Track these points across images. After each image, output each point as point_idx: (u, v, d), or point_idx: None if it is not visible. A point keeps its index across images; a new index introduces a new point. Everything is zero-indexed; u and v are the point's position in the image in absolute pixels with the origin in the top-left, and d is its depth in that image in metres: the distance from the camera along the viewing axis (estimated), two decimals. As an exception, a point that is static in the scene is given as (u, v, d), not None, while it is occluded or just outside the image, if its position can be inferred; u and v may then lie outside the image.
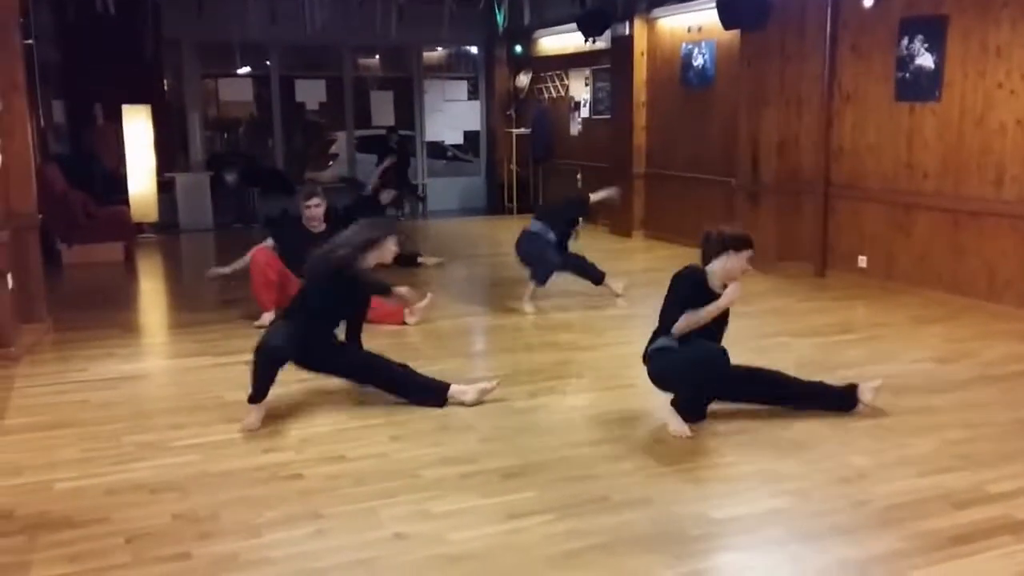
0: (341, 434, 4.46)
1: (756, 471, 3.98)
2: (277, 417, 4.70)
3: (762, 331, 6.33)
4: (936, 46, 7.12)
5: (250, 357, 4.68)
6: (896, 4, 7.45)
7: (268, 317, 6.53)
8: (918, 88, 7.31)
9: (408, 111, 14.54)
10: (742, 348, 5.83)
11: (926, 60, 7.22)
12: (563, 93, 13.04)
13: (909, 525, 3.45)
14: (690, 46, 10.12)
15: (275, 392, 5.07)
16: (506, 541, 3.35)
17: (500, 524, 3.47)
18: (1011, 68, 6.59)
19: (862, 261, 8.02)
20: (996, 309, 6.77)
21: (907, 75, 7.40)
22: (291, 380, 5.31)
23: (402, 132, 14.02)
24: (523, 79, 13.89)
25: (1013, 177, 6.68)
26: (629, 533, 3.39)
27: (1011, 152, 6.67)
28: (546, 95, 13.48)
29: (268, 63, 13.71)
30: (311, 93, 13.89)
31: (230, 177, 13.12)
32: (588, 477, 3.90)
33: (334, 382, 5.24)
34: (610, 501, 3.66)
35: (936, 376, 5.35)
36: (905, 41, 7.38)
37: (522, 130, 13.71)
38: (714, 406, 4.69)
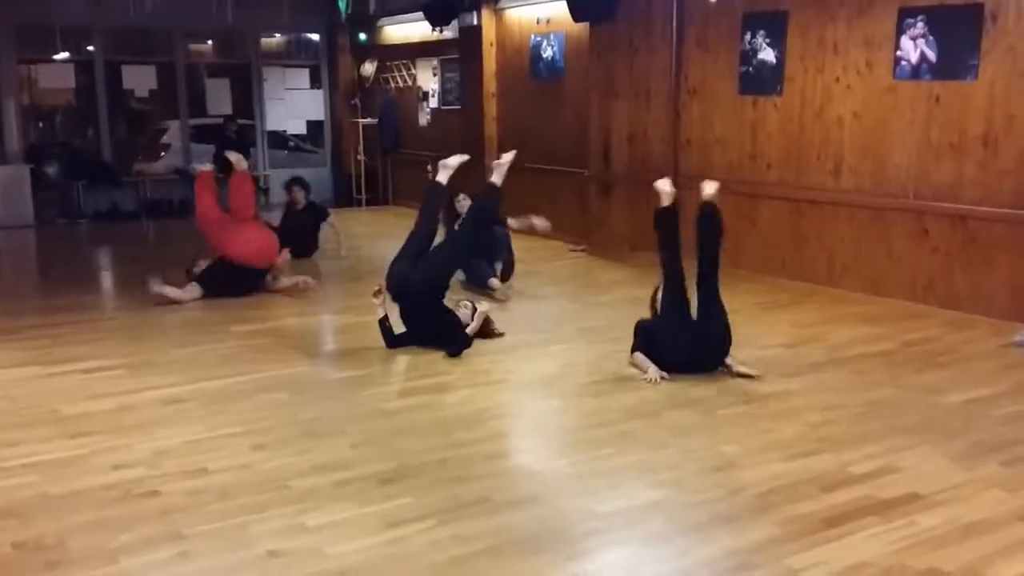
0: (198, 445, 4.15)
1: (633, 462, 3.98)
2: (125, 429, 4.34)
3: (621, 321, 6.36)
4: (777, 41, 7.40)
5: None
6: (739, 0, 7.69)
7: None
8: (761, 82, 7.58)
9: (247, 99, 13.96)
10: (603, 338, 5.91)
11: (768, 55, 7.49)
12: (411, 83, 12.83)
13: (783, 510, 3.52)
14: (539, 38, 10.15)
15: (120, 402, 4.74)
16: (388, 552, 3.19)
17: (380, 534, 3.30)
18: (847, 64, 6.93)
19: (710, 250, 8.24)
20: (836, 293, 7.12)
21: (750, 69, 7.66)
22: (141, 388, 4.95)
23: (241, 121, 13.46)
24: (368, 68, 13.58)
25: (850, 167, 7.03)
26: (515, 534, 3.30)
27: (848, 144, 7.01)
28: (393, 85, 13.23)
29: (91, 48, 12.81)
30: (140, 80, 13.14)
31: (51, 169, 12.21)
32: (468, 478, 3.79)
33: (186, 389, 4.93)
34: (492, 502, 3.56)
35: (788, 361, 5.54)
36: (748, 36, 7.63)
37: (369, 120, 13.41)
38: (577, 403, 4.68)
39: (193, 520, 3.39)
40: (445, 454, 4.04)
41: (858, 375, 5.25)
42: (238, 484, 3.71)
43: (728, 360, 5.20)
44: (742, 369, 5.14)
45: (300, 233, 8.70)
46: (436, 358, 5.55)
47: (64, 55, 12.84)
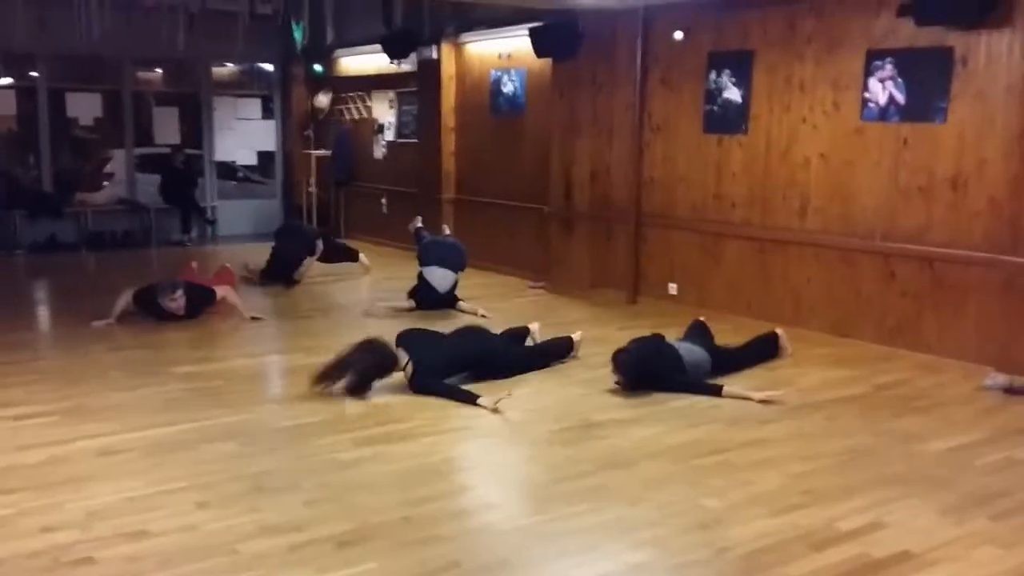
0: (137, 503, 3.80)
1: (610, 520, 3.73)
2: (55, 485, 3.97)
3: (588, 361, 6.12)
4: (743, 80, 7.31)
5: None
6: (705, 38, 7.60)
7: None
8: (726, 121, 7.48)
9: (195, 129, 13.58)
10: (570, 380, 5.69)
11: (733, 94, 7.40)
12: (366, 115, 12.58)
13: (774, 572, 3.30)
14: (500, 73, 9.98)
15: (51, 453, 4.36)
16: (348, 626, 2.89)
17: (340, 606, 3.01)
18: (814, 103, 6.85)
19: (672, 288, 8.12)
20: (803, 334, 6.96)
21: (715, 108, 7.56)
22: (75, 437, 4.57)
23: (189, 151, 13.09)
24: (323, 99, 13.30)
25: (816, 208, 6.93)
26: (487, 605, 3.03)
27: (814, 184, 6.92)
28: (348, 116, 12.98)
29: (35, 74, 12.37)
30: (85, 108, 12.69)
31: (-13, 199, 11.71)
32: (434, 539, 3.50)
33: (124, 438, 4.56)
34: (461, 568, 3.28)
35: (761, 406, 5.34)
36: (713, 75, 7.54)
37: (322, 152, 13.12)
38: (555, 448, 4.43)
39: (130, 591, 3.06)
40: (408, 511, 3.75)
41: (834, 421, 5.08)
42: (181, 549, 3.37)
43: (736, 389, 5.49)
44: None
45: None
46: (392, 403, 5.26)
47: (6, 80, 12.38)
